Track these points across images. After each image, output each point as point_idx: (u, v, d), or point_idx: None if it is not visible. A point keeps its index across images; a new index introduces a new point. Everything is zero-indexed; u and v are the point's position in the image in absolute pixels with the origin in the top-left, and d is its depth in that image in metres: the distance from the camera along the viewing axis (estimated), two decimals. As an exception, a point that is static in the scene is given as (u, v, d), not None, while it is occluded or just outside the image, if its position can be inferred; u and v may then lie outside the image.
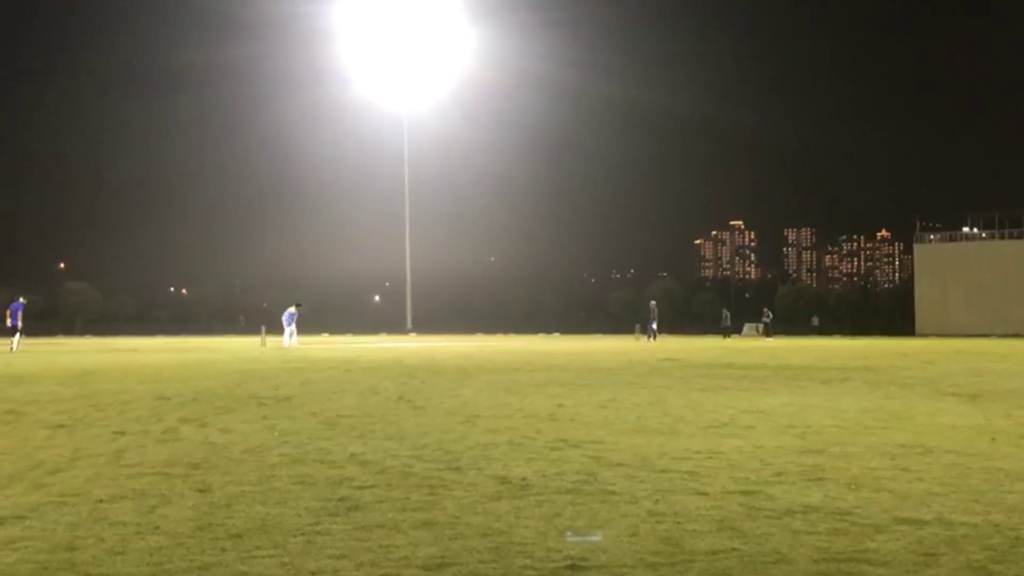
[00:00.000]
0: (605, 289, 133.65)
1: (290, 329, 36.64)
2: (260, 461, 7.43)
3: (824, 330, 69.97)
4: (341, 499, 6.01)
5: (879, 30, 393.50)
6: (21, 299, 33.00)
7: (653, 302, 50.98)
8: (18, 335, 31.09)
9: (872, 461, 7.43)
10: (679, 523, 5.38)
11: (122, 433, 9.08)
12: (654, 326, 47.90)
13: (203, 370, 19.26)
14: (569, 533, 5.09)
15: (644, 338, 47.67)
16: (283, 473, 6.89)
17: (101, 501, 5.97)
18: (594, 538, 4.90)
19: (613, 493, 6.17)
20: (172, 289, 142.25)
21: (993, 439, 8.74)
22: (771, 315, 57.40)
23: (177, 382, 15.66)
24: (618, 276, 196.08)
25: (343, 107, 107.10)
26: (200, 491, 6.26)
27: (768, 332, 54.60)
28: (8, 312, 32.04)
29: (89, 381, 16.06)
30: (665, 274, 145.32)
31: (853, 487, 6.38)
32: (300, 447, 8.15)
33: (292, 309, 37.41)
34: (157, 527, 5.31)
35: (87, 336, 67.65)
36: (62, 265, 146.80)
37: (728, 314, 56.90)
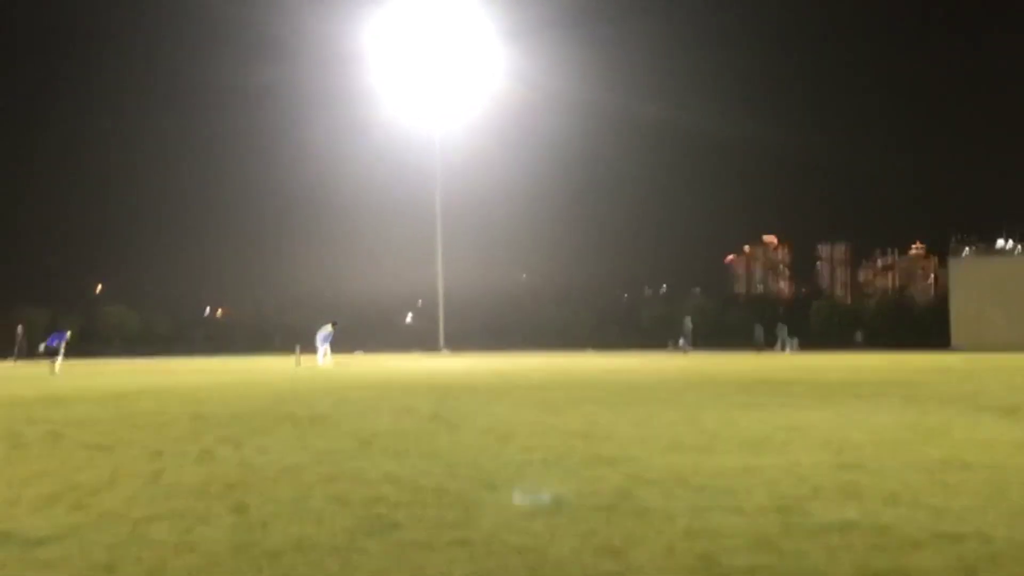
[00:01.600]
0: (638, 305, 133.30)
1: (324, 348, 36.77)
2: (296, 480, 7.45)
3: (868, 346, 69.46)
4: (376, 518, 6.01)
5: (911, 43, 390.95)
6: (68, 332, 33.74)
7: (688, 318, 50.88)
8: (60, 357, 31.58)
9: (910, 477, 7.35)
10: (715, 541, 5.34)
11: (160, 454, 9.14)
12: (686, 342, 47.77)
13: (239, 390, 19.36)
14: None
15: (678, 354, 47.53)
16: (318, 492, 6.91)
17: (139, 521, 6.01)
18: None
19: (649, 511, 6.14)
20: (208, 309, 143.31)
21: (1033, 454, 8.62)
22: (786, 329, 56.71)
23: (213, 402, 15.75)
24: (651, 292, 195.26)
25: (375, 127, 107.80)
26: (236, 511, 6.28)
27: (784, 347, 54.02)
28: (55, 339, 32.55)
29: (127, 402, 16.19)
30: (698, 290, 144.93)
31: (891, 503, 6.31)
32: (335, 466, 8.16)
33: (328, 328, 37.53)
34: (194, 547, 5.34)
35: (125, 357, 68.21)
36: (100, 287, 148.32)
37: (762, 330, 56.63)
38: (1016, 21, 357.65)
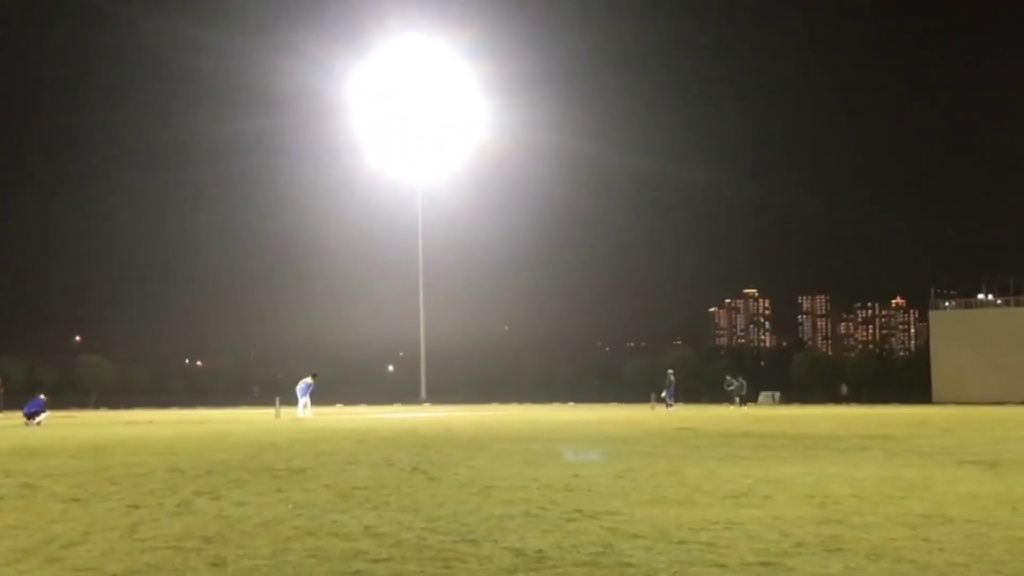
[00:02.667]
0: (620, 358, 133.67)
1: (304, 400, 36.59)
2: (274, 534, 7.38)
3: (841, 399, 69.38)
4: (355, 573, 5.95)
5: (891, 97, 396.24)
6: (43, 398, 33.13)
7: (670, 371, 50.84)
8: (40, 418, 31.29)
9: (892, 531, 7.34)
10: (697, 596, 5.31)
11: (136, 507, 9.04)
12: (669, 395, 47.72)
13: (217, 442, 19.21)
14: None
15: (660, 406, 47.47)
16: (297, 546, 6.84)
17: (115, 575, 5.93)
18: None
19: (630, 565, 6.10)
20: (187, 361, 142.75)
21: (1015, 508, 8.62)
22: (743, 383, 56.37)
23: (191, 454, 15.62)
24: (632, 345, 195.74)
25: (357, 179, 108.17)
26: (214, 565, 6.21)
27: (743, 401, 53.26)
28: (33, 408, 32.09)
29: (104, 454, 16.04)
30: (680, 342, 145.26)
31: (873, 558, 6.30)
32: (314, 520, 8.10)
33: (308, 379, 37.37)
34: (170, 602, 5.27)
35: (103, 409, 67.66)
36: (78, 338, 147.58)
37: (743, 382, 56.67)
38: (995, 77, 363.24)
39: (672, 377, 49.01)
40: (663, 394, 48.24)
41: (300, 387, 37.30)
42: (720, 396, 61.60)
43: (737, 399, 53.39)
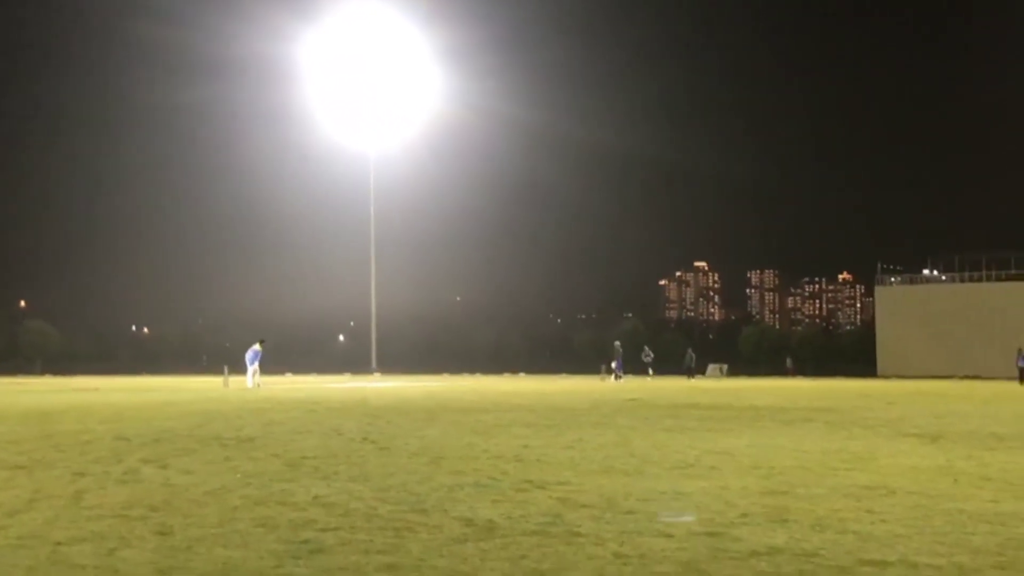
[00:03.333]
0: (571, 329, 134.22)
1: (253, 368, 36.27)
2: (222, 503, 7.35)
3: (799, 371, 70.08)
4: (304, 542, 5.94)
5: (842, 71, 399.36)
6: None
7: (617, 342, 50.99)
8: None
9: (836, 502, 7.45)
10: (645, 565, 5.36)
11: (82, 474, 8.95)
12: (618, 366, 47.96)
13: (165, 410, 19.05)
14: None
15: (610, 378, 47.73)
16: (245, 516, 6.81)
17: (60, 544, 5.87)
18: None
19: (579, 535, 6.15)
20: (134, 328, 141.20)
21: (955, 480, 8.79)
22: (651, 355, 56.12)
23: (138, 422, 15.48)
24: (583, 317, 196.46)
25: (308, 147, 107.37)
26: (160, 534, 6.17)
27: (617, 373, 49.03)
28: None
29: (49, 421, 15.85)
30: (630, 315, 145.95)
31: (818, 528, 6.39)
32: (262, 489, 8.06)
33: (256, 347, 37.01)
34: (116, 571, 5.23)
35: (47, 375, 66.81)
36: (22, 303, 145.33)
37: (693, 355, 57.05)
38: (948, 48, 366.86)
39: (620, 349, 49.18)
40: (612, 365, 48.44)
41: (248, 355, 36.95)
42: (668, 368, 61.93)
43: (650, 370, 53.46)
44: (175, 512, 6.94)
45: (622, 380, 46.04)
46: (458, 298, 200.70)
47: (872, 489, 8.15)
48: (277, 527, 6.40)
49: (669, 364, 63.43)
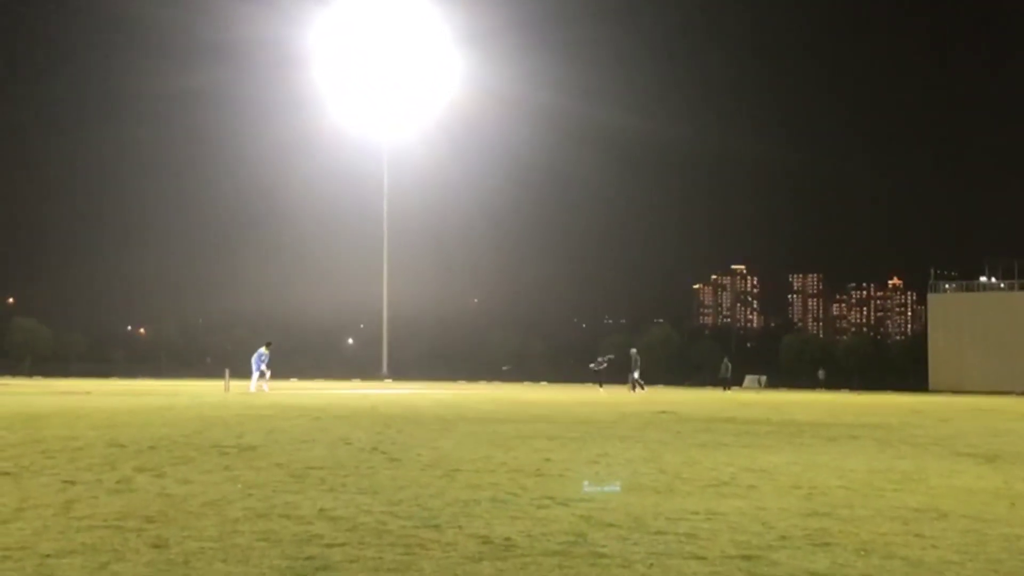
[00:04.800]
0: (597, 335, 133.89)
1: (259, 372, 36.36)
2: (221, 515, 7.38)
3: (831, 384, 69.84)
4: (309, 558, 5.96)
5: (894, 68, 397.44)
6: None
7: (634, 350, 50.67)
8: None
9: (883, 526, 7.41)
10: (675, 589, 5.35)
11: (72, 483, 9.00)
12: (637, 376, 47.83)
13: (161, 416, 19.15)
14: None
15: (639, 388, 47.63)
16: (246, 529, 6.84)
17: (48, 556, 5.91)
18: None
19: (604, 556, 6.14)
20: (129, 328, 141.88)
21: (1013, 504, 8.73)
22: (729, 366, 55.46)
23: (133, 428, 15.56)
24: (611, 322, 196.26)
25: (319, 136, 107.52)
26: (156, 547, 6.20)
27: (639, 383, 48.24)
28: None
29: (38, 426, 15.95)
30: (661, 320, 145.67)
31: (863, 553, 6.36)
32: (265, 501, 8.09)
33: (262, 350, 37.07)
34: (108, 585, 5.26)
35: (36, 377, 67.24)
36: (11, 300, 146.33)
37: (729, 364, 56.93)
38: (1003, 55, 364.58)
39: (637, 357, 48.99)
40: (634, 375, 48.31)
41: (255, 358, 36.99)
42: (702, 379, 61.71)
43: (638, 384, 50.42)
44: (171, 524, 6.98)
45: (642, 391, 46.04)
46: (476, 300, 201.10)
47: (922, 512, 8.11)
48: (280, 542, 6.42)
49: (703, 374, 63.29)
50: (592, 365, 52.65)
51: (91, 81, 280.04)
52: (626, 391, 45.08)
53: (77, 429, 15.22)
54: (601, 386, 50.48)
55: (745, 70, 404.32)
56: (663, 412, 23.77)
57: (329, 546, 6.31)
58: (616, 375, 53.50)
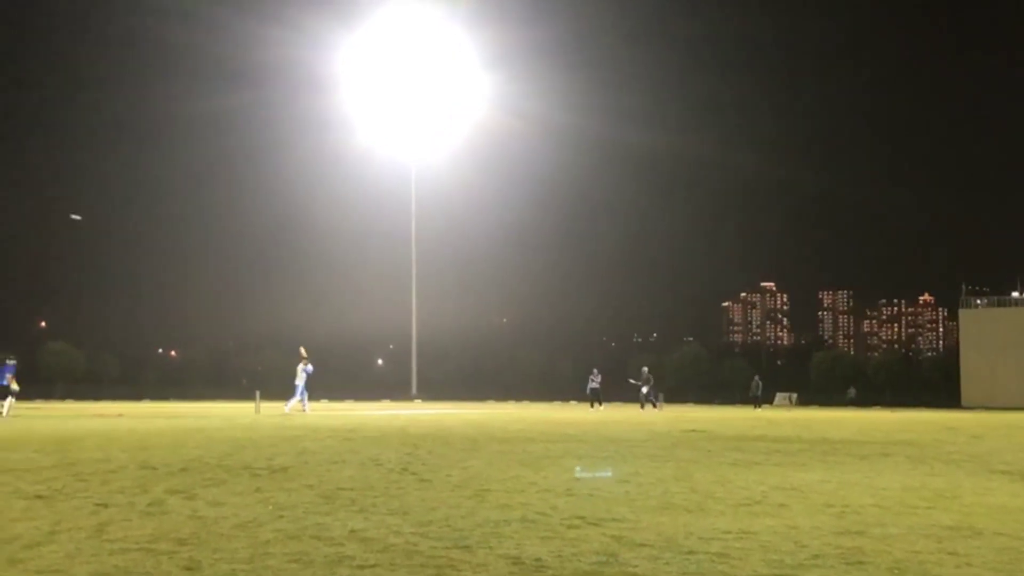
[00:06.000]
0: (626, 354, 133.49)
1: (301, 388, 35.55)
2: (253, 537, 7.40)
3: (863, 401, 69.41)
4: (340, 579, 5.96)
5: (924, 84, 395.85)
6: (10, 360, 32.18)
7: (645, 368, 50.49)
8: (10, 398, 30.91)
9: (916, 544, 7.36)
10: (707, 610, 5.33)
11: (105, 505, 9.05)
12: (648, 392, 47.72)
13: (192, 438, 19.23)
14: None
15: (648, 407, 47.39)
16: (277, 550, 6.86)
17: (81, 579, 5.94)
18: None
19: (635, 576, 6.12)
20: (160, 350, 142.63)
21: (1048, 521, 8.64)
22: (759, 383, 54.73)
23: (164, 450, 15.63)
24: (639, 340, 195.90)
25: (347, 157, 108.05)
26: (188, 569, 6.23)
27: (652, 401, 48.51)
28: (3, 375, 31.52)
29: (70, 449, 16.05)
30: (691, 338, 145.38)
31: (896, 572, 6.32)
32: (296, 522, 8.11)
33: (300, 365, 36.17)
34: (141, 608, 5.28)
35: (69, 400, 67.68)
36: (42, 324, 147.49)
37: (760, 382, 56.68)
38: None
39: (650, 375, 48.84)
40: (651, 395, 48.22)
41: (299, 377, 35.99)
42: (732, 397, 61.46)
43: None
44: (203, 546, 7.00)
45: (656, 409, 45.96)
46: (504, 319, 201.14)
47: (955, 530, 8.04)
48: (311, 563, 6.43)
49: (733, 392, 63.01)
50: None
51: (122, 102, 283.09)
52: (638, 408, 45.11)
53: (109, 452, 15.31)
54: (597, 405, 48.47)
55: (774, 89, 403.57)
56: (693, 431, 23.68)
57: (360, 568, 6.31)
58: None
